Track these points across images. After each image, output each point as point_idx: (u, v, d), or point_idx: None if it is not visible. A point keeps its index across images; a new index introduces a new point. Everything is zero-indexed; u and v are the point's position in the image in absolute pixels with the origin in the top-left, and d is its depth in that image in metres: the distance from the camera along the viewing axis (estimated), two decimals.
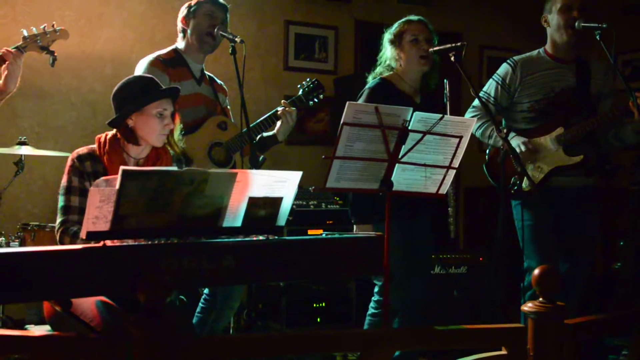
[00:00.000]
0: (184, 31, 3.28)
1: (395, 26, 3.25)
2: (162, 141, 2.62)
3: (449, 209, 3.09)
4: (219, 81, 3.47)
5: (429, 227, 3.31)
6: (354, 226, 3.21)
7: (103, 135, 2.63)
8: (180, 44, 3.31)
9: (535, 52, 3.49)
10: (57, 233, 2.49)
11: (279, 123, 3.28)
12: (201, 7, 3.22)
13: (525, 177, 3.17)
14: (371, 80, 3.23)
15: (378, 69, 3.27)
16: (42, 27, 3.04)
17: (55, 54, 3.09)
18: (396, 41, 3.20)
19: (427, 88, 3.28)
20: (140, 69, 3.15)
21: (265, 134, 3.34)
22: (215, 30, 3.16)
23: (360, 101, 3.08)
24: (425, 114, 2.44)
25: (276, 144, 3.37)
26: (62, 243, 2.47)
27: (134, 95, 2.57)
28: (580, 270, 3.41)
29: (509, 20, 6.15)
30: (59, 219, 2.51)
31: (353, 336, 2.10)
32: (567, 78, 3.37)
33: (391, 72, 3.22)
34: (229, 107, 3.49)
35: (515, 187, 3.29)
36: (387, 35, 3.26)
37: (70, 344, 1.83)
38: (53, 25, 3.08)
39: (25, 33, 3.02)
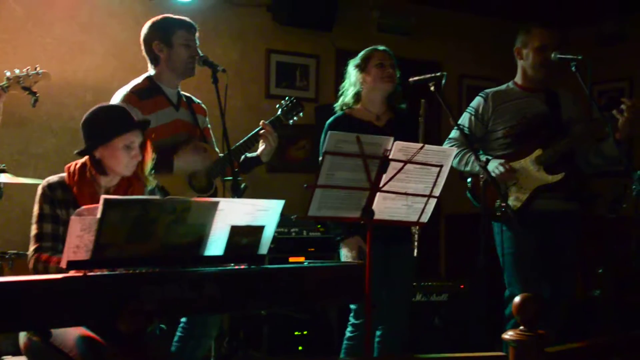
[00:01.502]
0: (156, 58, 3.19)
1: (361, 54, 3.38)
2: (130, 171, 2.60)
3: (411, 228, 3.12)
4: (196, 100, 3.40)
5: (409, 254, 3.32)
6: (340, 245, 3.23)
7: (73, 164, 2.61)
8: (151, 70, 3.23)
9: (504, 85, 3.63)
10: (29, 261, 2.47)
11: (261, 144, 3.27)
12: (175, 36, 3.15)
13: (510, 196, 3.32)
14: (332, 118, 3.33)
15: (340, 100, 3.40)
16: (25, 69, 3.08)
17: (37, 95, 3.13)
18: (362, 65, 3.33)
19: (393, 109, 3.35)
20: (116, 100, 3.09)
21: (248, 155, 3.31)
22: (197, 59, 3.15)
23: (322, 138, 3.15)
24: (406, 144, 2.46)
25: (260, 165, 3.35)
26: (35, 270, 2.44)
27: (101, 128, 2.55)
28: (562, 294, 3.45)
29: (488, 50, 6.25)
30: (32, 247, 2.49)
31: None
32: (537, 105, 3.49)
33: (353, 103, 3.35)
34: (209, 126, 3.42)
35: (502, 209, 3.25)
36: (352, 62, 3.39)
37: None
38: (36, 68, 3.12)
39: (8, 74, 3.06)
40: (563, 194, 3.41)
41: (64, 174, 2.60)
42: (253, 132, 3.29)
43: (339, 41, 5.65)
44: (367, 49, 3.39)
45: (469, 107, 3.62)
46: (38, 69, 3.12)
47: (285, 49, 5.48)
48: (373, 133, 2.57)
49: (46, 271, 2.39)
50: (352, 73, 3.36)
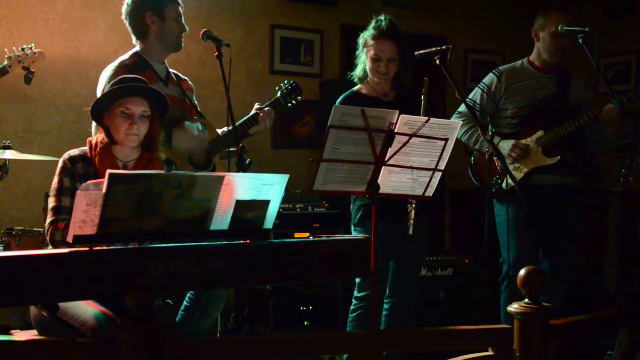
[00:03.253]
0: (145, 31, 3.16)
1: (367, 32, 3.26)
2: (131, 141, 2.58)
3: (407, 204, 3.10)
4: (183, 77, 3.41)
5: (425, 231, 3.31)
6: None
7: (94, 137, 2.62)
8: (139, 45, 3.21)
9: (519, 62, 3.66)
10: (47, 232, 2.48)
11: (258, 125, 3.34)
12: (168, 9, 3.14)
13: (506, 177, 3.36)
14: (341, 97, 3.29)
15: (355, 72, 3.33)
16: (22, 48, 3.09)
17: (33, 71, 3.16)
18: (364, 49, 3.26)
19: (401, 86, 3.32)
20: (103, 78, 3.10)
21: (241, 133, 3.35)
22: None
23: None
24: (411, 117, 2.46)
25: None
26: (52, 242, 2.46)
27: (105, 94, 2.58)
28: (564, 266, 3.50)
29: (493, 24, 6.20)
30: (49, 219, 2.50)
31: (341, 338, 2.11)
32: (549, 87, 3.55)
33: (362, 77, 3.29)
34: (196, 102, 3.43)
35: (497, 186, 3.47)
36: (362, 36, 3.30)
37: (58, 348, 1.83)
38: (31, 47, 3.15)
39: (8, 54, 3.10)
40: (562, 170, 3.49)
41: (86, 147, 2.60)
42: (249, 115, 3.33)
43: (343, 16, 5.61)
44: (372, 31, 3.22)
45: (481, 83, 3.66)
46: (34, 48, 3.16)
47: (289, 24, 5.44)
48: (381, 107, 2.55)
49: (64, 239, 2.39)
50: (360, 49, 3.30)
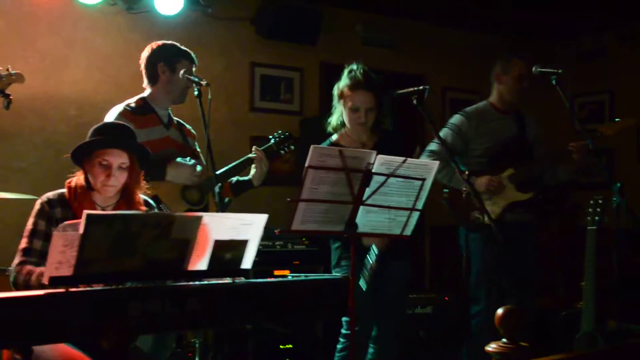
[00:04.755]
0: (155, 78, 3.33)
1: (342, 83, 3.28)
2: (107, 192, 2.57)
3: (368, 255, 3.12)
4: (187, 126, 3.54)
5: (404, 272, 3.33)
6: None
7: (74, 179, 2.60)
8: (147, 91, 3.37)
9: (480, 104, 3.90)
10: (12, 273, 2.45)
11: (253, 169, 3.37)
12: (180, 64, 3.29)
13: (484, 214, 3.34)
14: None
15: (331, 121, 3.37)
16: None
17: (11, 97, 3.09)
18: (340, 100, 3.29)
19: (379, 131, 3.35)
20: (110, 118, 3.18)
21: (240, 179, 3.42)
22: (181, 73, 3.21)
23: None
24: (389, 157, 2.48)
25: (252, 188, 3.44)
26: (14, 284, 2.43)
27: (86, 141, 2.56)
28: (529, 304, 3.65)
29: (471, 63, 6.30)
30: (16, 260, 2.47)
31: None
32: (511, 127, 3.79)
33: (339, 127, 3.33)
34: (198, 149, 3.54)
35: (478, 222, 3.52)
36: (336, 86, 3.33)
37: None
38: (8, 69, 3.09)
39: None
40: (530, 208, 3.68)
41: (64, 190, 2.58)
42: (245, 158, 3.39)
43: (323, 54, 5.68)
44: (346, 82, 3.24)
45: (449, 124, 3.81)
46: (10, 69, 3.08)
47: (269, 62, 5.49)
48: None
49: (27, 284, 2.38)
50: (336, 100, 3.33)
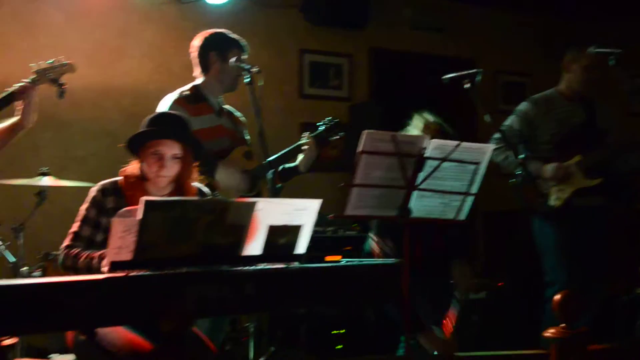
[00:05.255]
0: (207, 67, 3.36)
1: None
2: (160, 182, 2.57)
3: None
4: (237, 113, 3.55)
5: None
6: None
7: (128, 168, 2.60)
8: (199, 79, 3.40)
9: (549, 91, 3.86)
10: (60, 255, 2.49)
11: (300, 156, 3.38)
12: (231, 53, 3.30)
13: (551, 195, 3.57)
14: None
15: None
16: (49, 61, 3.11)
17: (64, 87, 3.15)
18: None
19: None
20: (164, 106, 3.23)
21: (287, 165, 3.43)
22: (234, 62, 3.21)
23: None
24: (442, 141, 2.46)
25: (299, 174, 3.46)
26: (63, 265, 2.47)
27: (141, 131, 2.58)
28: (595, 290, 3.60)
29: (522, 45, 6.18)
30: (66, 242, 2.50)
31: None
32: (579, 114, 3.75)
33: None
34: (247, 137, 3.54)
35: (544, 206, 3.60)
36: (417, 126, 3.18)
37: None
38: (60, 59, 3.15)
39: (35, 67, 3.09)
40: (599, 193, 3.62)
41: (118, 178, 2.60)
42: (296, 144, 3.39)
43: (372, 39, 5.63)
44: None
45: (517, 111, 3.82)
46: (62, 59, 3.14)
47: (318, 49, 5.49)
48: None
49: (74, 267, 2.41)
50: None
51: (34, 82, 3.07)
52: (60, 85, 3.13)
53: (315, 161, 3.41)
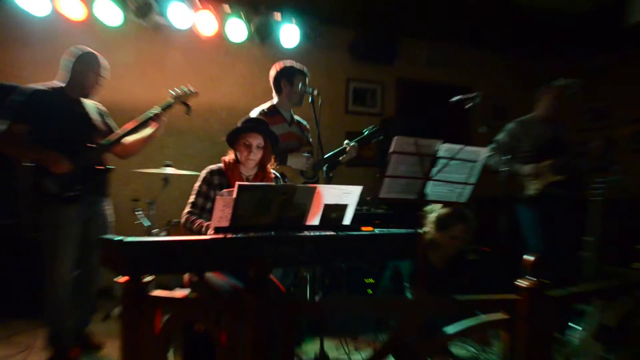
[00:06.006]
0: (279, 90, 3.36)
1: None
2: (249, 164, 2.60)
3: None
4: (304, 122, 3.53)
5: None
6: None
7: (227, 157, 2.67)
8: (275, 99, 3.40)
9: (529, 115, 3.82)
10: (182, 218, 2.52)
11: (344, 155, 3.36)
12: (297, 78, 3.31)
13: (530, 187, 3.58)
14: None
15: None
16: (183, 88, 3.16)
17: (191, 107, 3.20)
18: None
19: None
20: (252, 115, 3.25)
21: (334, 161, 3.41)
22: (300, 86, 3.24)
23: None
24: (450, 145, 2.42)
25: (339, 165, 3.42)
26: (184, 227, 2.50)
27: (236, 128, 2.62)
28: (562, 254, 3.48)
29: (506, 78, 6.00)
30: (186, 209, 2.54)
31: (391, 304, 2.09)
32: (550, 132, 3.71)
33: None
34: (311, 140, 3.54)
35: (526, 194, 3.60)
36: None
37: (205, 304, 1.89)
38: (189, 87, 3.20)
39: (173, 93, 3.14)
40: (563, 186, 3.58)
41: (221, 165, 2.65)
42: (341, 147, 3.37)
43: (399, 72, 5.56)
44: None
45: (506, 128, 3.78)
46: (190, 87, 3.19)
47: (359, 78, 5.44)
48: None
49: (191, 228, 2.45)
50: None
51: (170, 106, 3.10)
52: (188, 106, 3.17)
53: (355, 159, 3.39)
